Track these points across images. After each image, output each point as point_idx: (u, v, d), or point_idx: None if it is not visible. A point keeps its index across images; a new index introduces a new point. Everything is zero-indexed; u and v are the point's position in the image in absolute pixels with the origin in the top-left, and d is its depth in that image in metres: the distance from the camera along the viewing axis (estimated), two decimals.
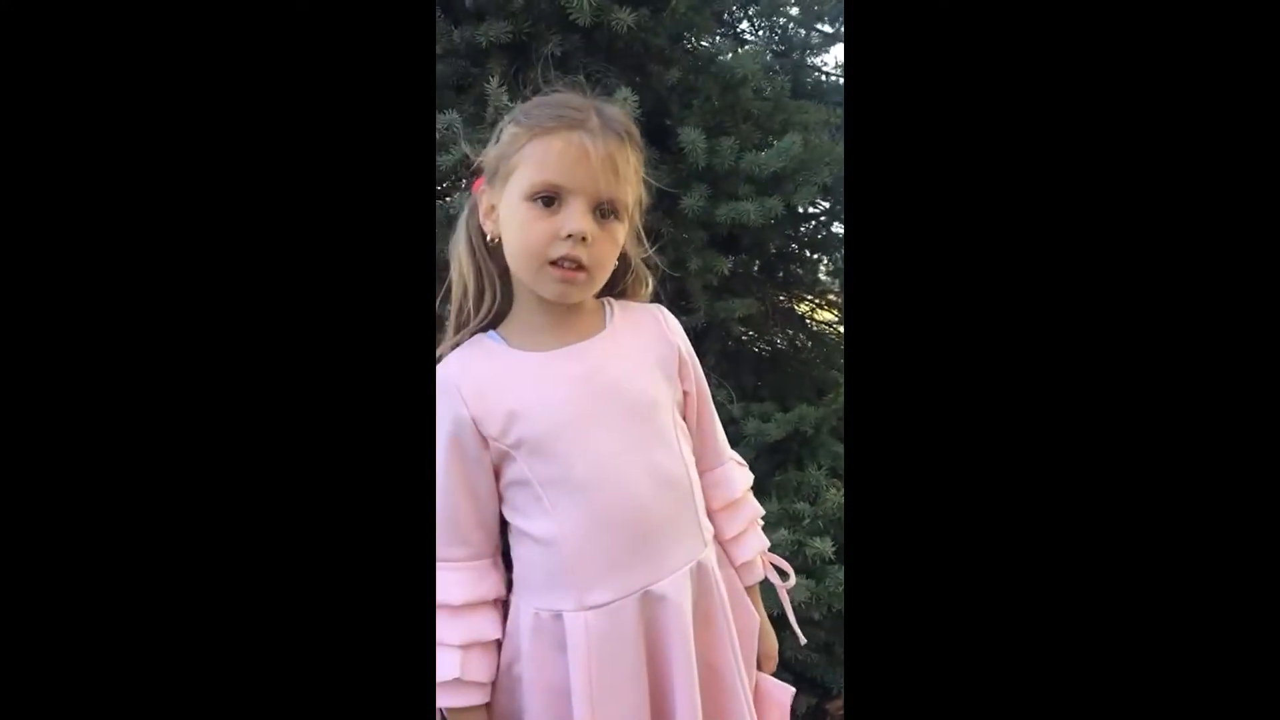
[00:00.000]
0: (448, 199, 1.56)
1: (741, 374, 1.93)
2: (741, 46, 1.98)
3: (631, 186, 0.93)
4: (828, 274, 2.09)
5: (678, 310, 1.27)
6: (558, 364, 0.92)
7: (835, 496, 1.65)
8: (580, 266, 0.88)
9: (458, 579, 0.90)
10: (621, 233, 0.93)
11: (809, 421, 1.70)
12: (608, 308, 1.00)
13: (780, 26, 2.19)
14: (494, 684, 0.93)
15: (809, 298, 2.16)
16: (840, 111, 1.83)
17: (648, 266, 1.05)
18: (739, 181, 1.60)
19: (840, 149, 1.67)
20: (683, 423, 1.00)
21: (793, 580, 1.12)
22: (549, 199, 0.87)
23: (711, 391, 1.09)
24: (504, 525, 0.95)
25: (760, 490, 1.65)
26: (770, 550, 1.13)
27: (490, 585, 0.92)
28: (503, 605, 0.95)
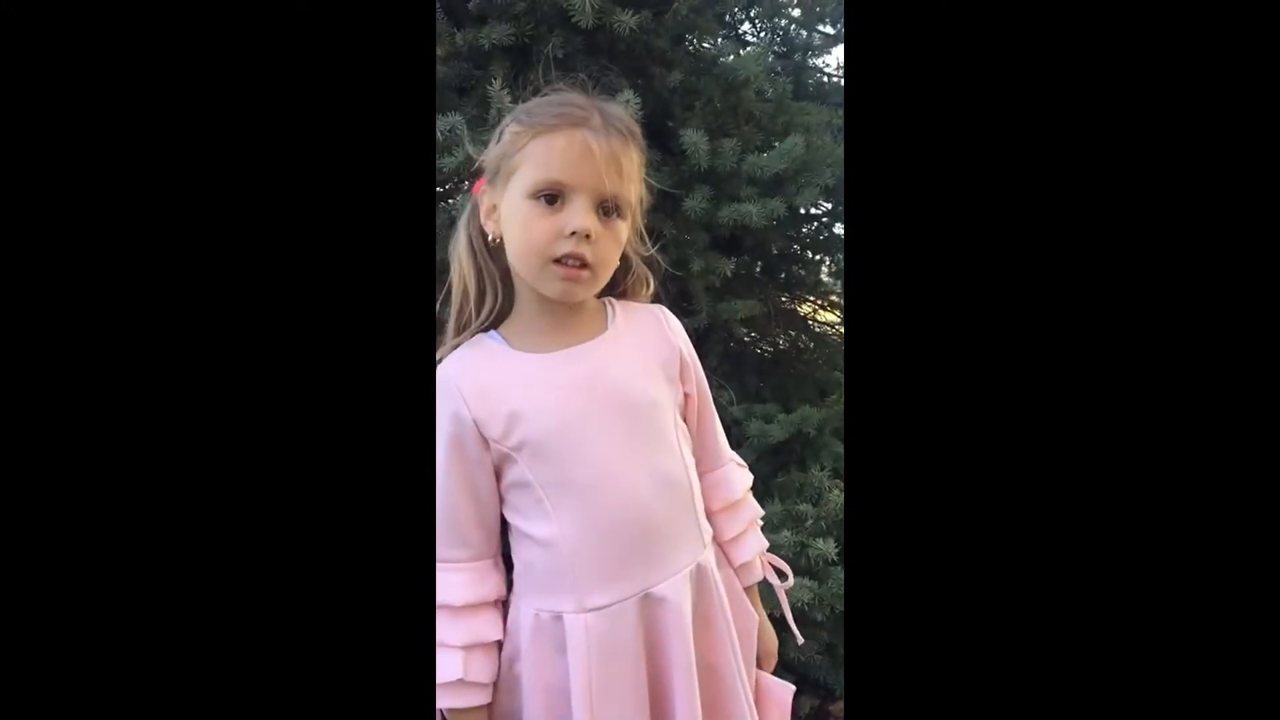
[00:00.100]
0: (451, 201, 1.56)
1: (744, 375, 1.93)
2: (743, 48, 1.98)
3: (634, 185, 0.93)
4: (830, 275, 2.09)
5: (680, 312, 1.28)
6: (560, 366, 0.92)
7: (838, 498, 1.65)
8: (584, 264, 0.88)
9: (459, 580, 0.90)
10: (624, 231, 0.93)
11: (811, 423, 1.70)
12: (609, 308, 1.00)
13: (782, 28, 2.19)
14: (494, 684, 0.93)
15: (811, 299, 2.16)
16: (842, 113, 1.83)
17: (649, 266, 1.05)
18: (741, 183, 1.60)
19: (842, 150, 1.67)
20: (683, 424, 1.00)
21: (791, 581, 1.13)
22: (552, 197, 0.87)
23: (713, 393, 1.09)
24: (504, 525, 0.95)
25: (763, 492, 1.65)
26: (773, 552, 1.13)
27: (491, 586, 0.92)
28: (503, 605, 0.95)
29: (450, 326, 0.98)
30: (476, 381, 0.91)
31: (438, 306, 0.97)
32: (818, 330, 2.16)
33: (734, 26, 2.15)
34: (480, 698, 0.91)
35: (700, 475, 1.01)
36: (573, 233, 0.86)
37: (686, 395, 1.02)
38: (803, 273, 2.09)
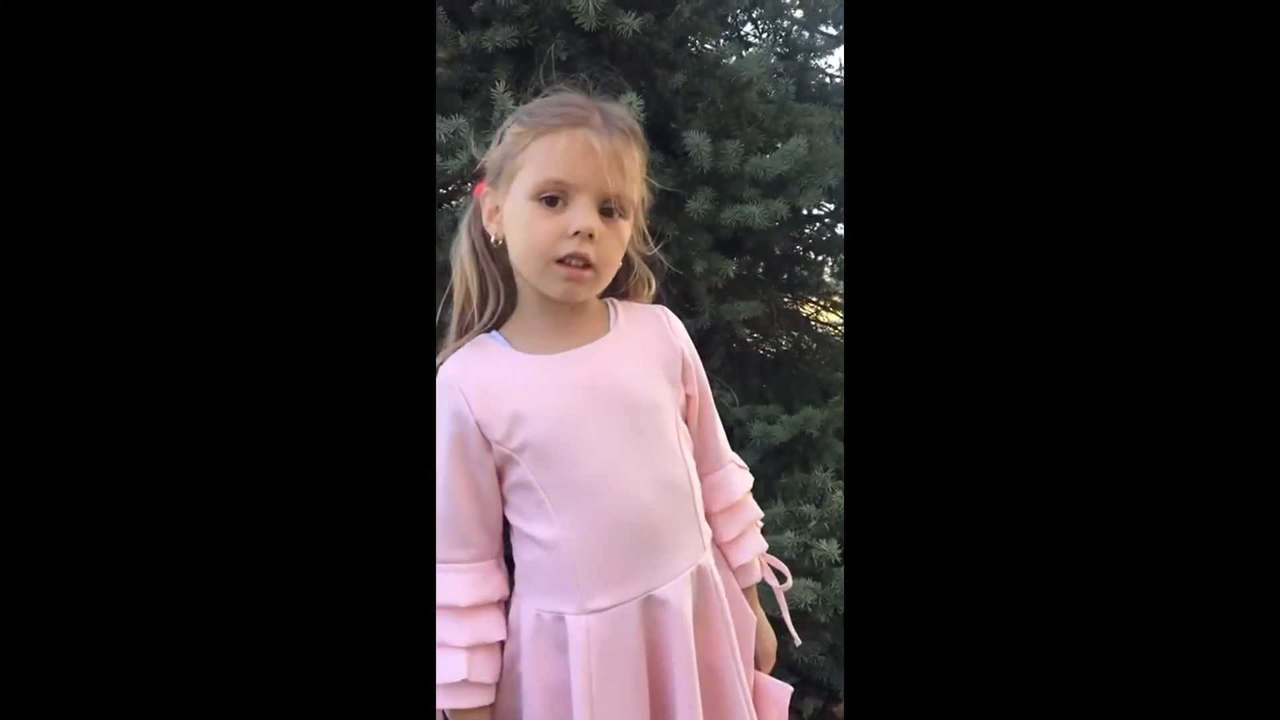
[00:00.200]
0: (455, 203, 1.56)
1: (747, 376, 1.93)
2: (746, 49, 1.98)
3: (636, 184, 0.93)
4: (832, 276, 2.09)
5: (683, 313, 1.28)
6: (562, 368, 0.92)
7: (840, 499, 1.65)
8: (587, 264, 0.88)
9: (462, 580, 0.90)
10: (627, 230, 0.93)
11: (814, 424, 1.70)
12: (611, 309, 1.00)
13: (784, 29, 2.19)
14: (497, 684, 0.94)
15: (814, 299, 2.16)
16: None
17: (651, 266, 1.04)
18: (744, 184, 1.61)
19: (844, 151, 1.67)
20: (684, 426, 1.00)
21: (789, 583, 1.13)
22: (554, 197, 0.87)
23: (716, 395, 1.09)
24: (506, 525, 0.95)
25: (766, 493, 1.65)
26: (777, 553, 1.13)
27: (494, 586, 0.93)
28: (505, 605, 0.95)
29: (452, 329, 0.98)
30: (479, 382, 0.91)
31: (440, 309, 0.97)
32: (820, 331, 2.17)
33: (736, 28, 2.15)
34: (483, 698, 0.91)
35: (701, 476, 1.01)
36: (575, 232, 0.86)
37: (688, 396, 1.02)
38: (805, 274, 2.09)
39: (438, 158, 1.41)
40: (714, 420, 1.07)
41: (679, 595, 0.92)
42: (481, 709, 0.91)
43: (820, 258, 2.09)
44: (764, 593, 1.11)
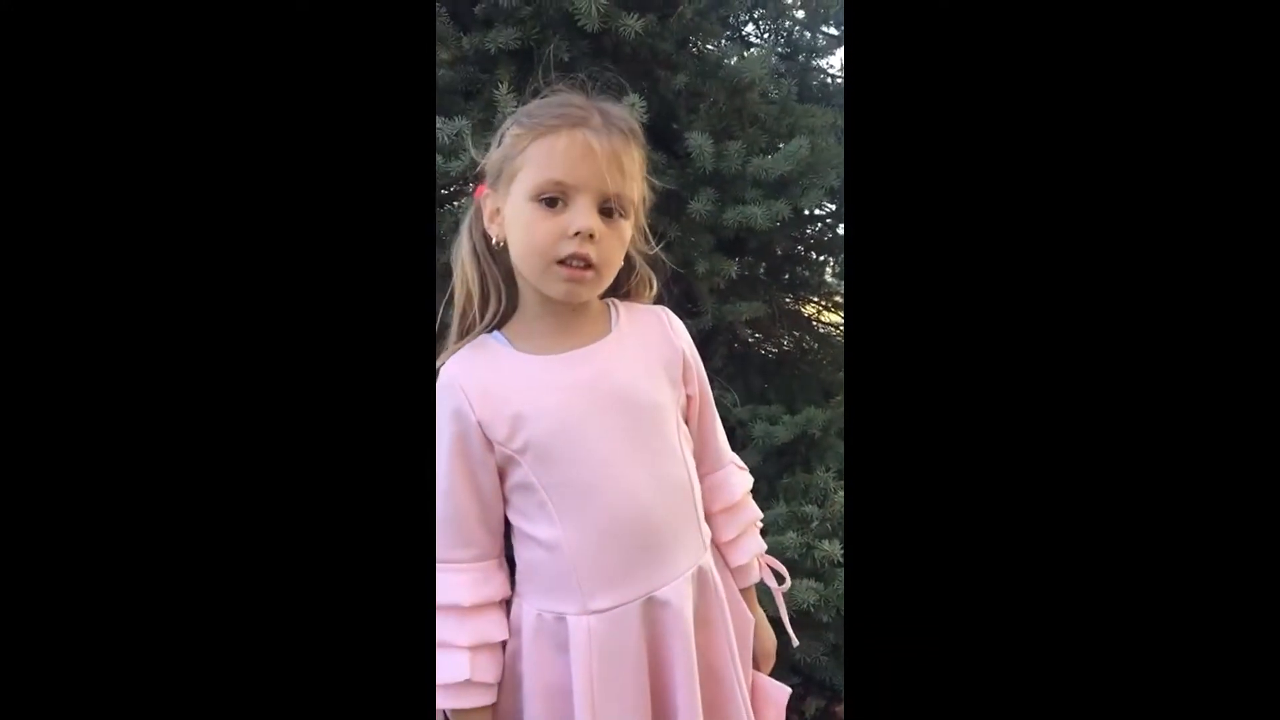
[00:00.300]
0: (457, 204, 1.56)
1: (749, 376, 1.93)
2: (747, 50, 1.98)
3: (636, 184, 0.93)
4: (834, 276, 2.09)
5: (685, 313, 1.28)
6: (564, 369, 0.92)
7: (843, 499, 1.65)
8: (588, 265, 0.88)
9: (464, 580, 0.90)
10: (628, 230, 0.93)
11: (816, 424, 1.70)
12: (613, 310, 1.00)
13: (786, 30, 2.19)
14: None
15: (815, 300, 2.17)
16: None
17: (653, 266, 1.04)
18: (746, 185, 1.61)
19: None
20: (685, 426, 1.01)
21: (788, 583, 1.13)
22: (554, 198, 0.87)
23: (717, 396, 1.09)
24: (507, 525, 0.95)
25: (768, 493, 1.65)
26: (779, 553, 1.13)
27: (496, 586, 0.93)
28: (506, 605, 0.95)
29: (453, 330, 0.98)
30: (480, 382, 0.91)
31: (440, 311, 0.97)
32: (822, 331, 2.17)
33: (738, 29, 2.15)
34: (485, 698, 0.91)
35: (701, 477, 1.01)
36: (576, 233, 0.86)
37: (688, 397, 1.02)
38: (807, 274, 2.09)
39: (440, 159, 1.41)
40: (714, 420, 1.07)
41: (680, 596, 0.92)
42: (483, 709, 0.91)
43: (822, 258, 2.09)
44: (763, 593, 1.12)
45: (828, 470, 1.71)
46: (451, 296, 0.98)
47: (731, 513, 1.05)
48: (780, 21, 2.17)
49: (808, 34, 2.17)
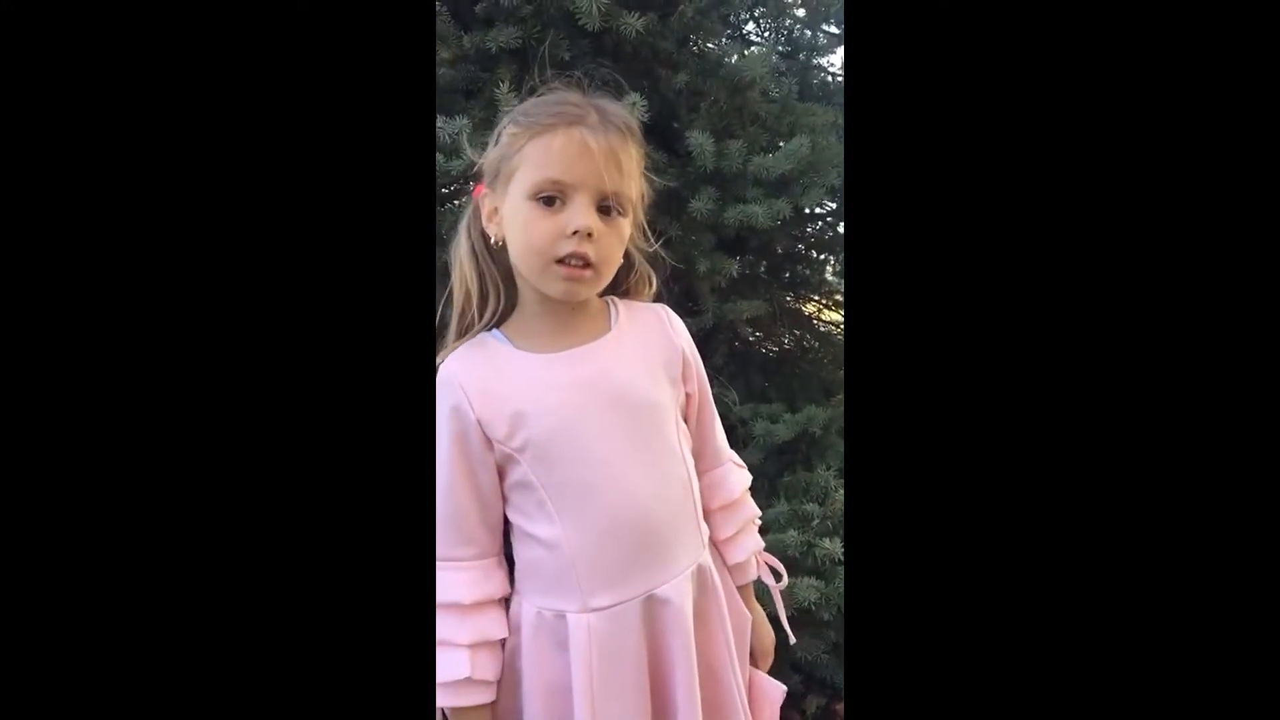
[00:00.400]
0: (457, 203, 1.57)
1: (749, 375, 1.93)
2: (748, 49, 1.98)
3: (634, 181, 0.93)
4: (834, 275, 2.09)
5: (685, 312, 1.28)
6: (564, 367, 0.92)
7: (844, 497, 1.65)
8: (587, 263, 0.88)
9: (464, 578, 0.90)
10: (626, 228, 0.93)
11: (817, 422, 1.70)
12: (612, 308, 1.00)
13: (786, 28, 2.19)
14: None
15: (816, 299, 2.17)
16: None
17: (652, 264, 1.04)
18: (747, 184, 1.61)
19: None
20: (684, 425, 1.01)
21: (785, 581, 1.13)
22: (552, 197, 0.87)
23: (716, 394, 1.09)
24: (506, 523, 0.95)
25: (769, 491, 1.66)
26: (780, 551, 1.13)
27: (496, 584, 0.93)
28: (506, 603, 0.96)
29: (452, 329, 0.97)
30: (480, 380, 0.91)
31: (439, 310, 0.97)
32: (823, 330, 2.17)
33: (739, 27, 2.15)
34: (485, 696, 0.91)
35: (699, 474, 1.01)
36: (574, 232, 0.86)
37: (687, 395, 1.02)
38: (807, 273, 2.09)
39: (441, 158, 1.41)
40: (713, 418, 1.07)
41: (680, 594, 0.92)
42: (483, 707, 0.91)
43: (822, 257, 2.09)
44: (763, 591, 1.12)
45: (828, 468, 1.71)
46: (450, 296, 0.98)
47: (730, 510, 1.05)
48: (781, 20, 2.17)
49: (808, 32, 2.17)
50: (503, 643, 0.94)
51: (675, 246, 1.54)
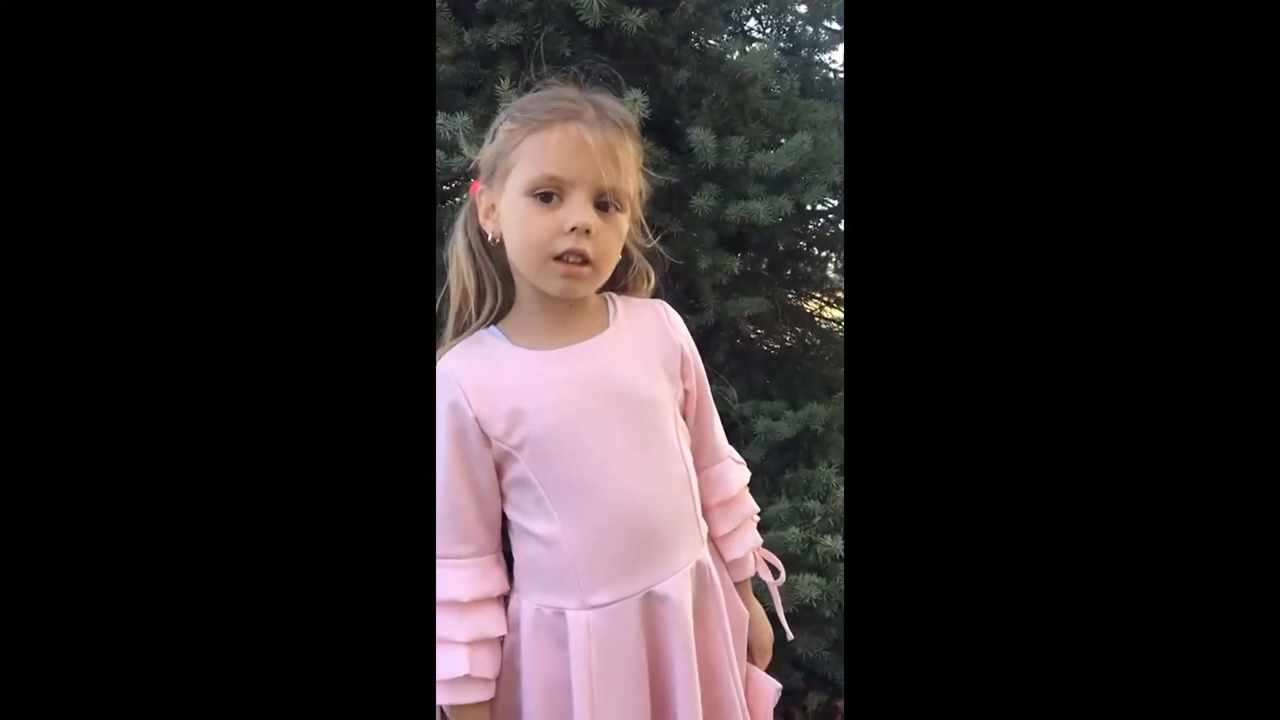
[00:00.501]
0: (458, 199, 1.56)
1: (751, 372, 1.93)
2: (749, 45, 1.98)
3: (632, 177, 0.92)
4: (836, 272, 2.09)
5: (687, 309, 1.28)
6: (562, 364, 0.92)
7: (843, 494, 1.65)
8: (585, 260, 0.87)
9: (463, 576, 0.90)
10: (625, 224, 0.93)
11: (819, 419, 1.70)
12: (610, 304, 1.00)
13: (788, 24, 2.19)
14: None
15: (817, 296, 2.16)
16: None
17: (651, 260, 1.04)
18: (748, 181, 1.60)
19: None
20: (683, 421, 1.00)
21: (783, 577, 1.13)
22: (549, 193, 0.87)
23: (716, 391, 1.09)
24: (504, 520, 0.95)
25: (771, 488, 1.66)
26: (782, 548, 1.13)
27: (494, 581, 0.93)
28: (504, 600, 0.96)
29: (450, 327, 0.97)
30: (477, 377, 0.90)
31: (437, 306, 0.97)
32: (824, 327, 2.16)
33: (740, 24, 2.15)
34: (484, 693, 0.91)
35: (697, 471, 1.01)
36: (572, 228, 0.86)
37: (686, 391, 1.01)
38: (809, 270, 2.09)
39: (441, 154, 1.41)
40: (711, 414, 1.07)
41: (679, 591, 0.92)
42: (482, 704, 0.91)
43: (824, 254, 2.09)
44: (763, 588, 1.12)
45: (830, 466, 1.71)
46: (447, 293, 0.98)
47: (728, 506, 1.05)
48: (782, 16, 2.16)
49: (810, 29, 2.16)
50: (501, 640, 0.94)
51: (676, 243, 1.54)
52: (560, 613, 0.90)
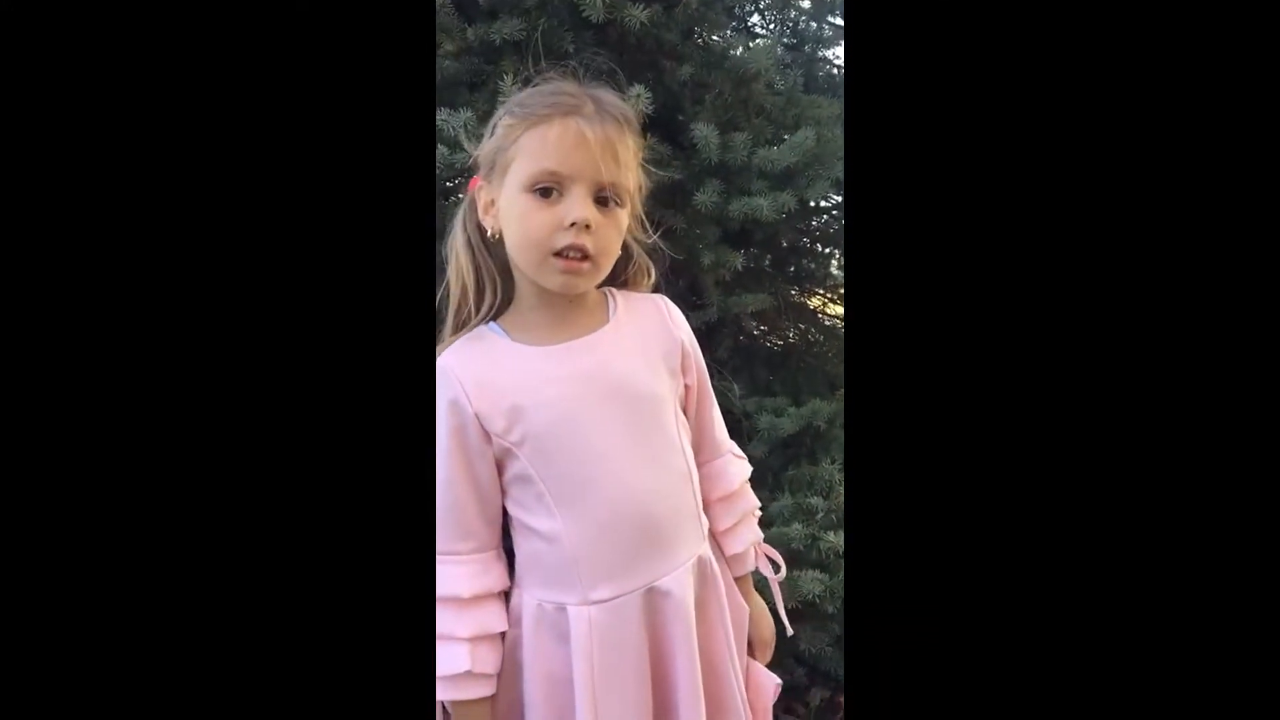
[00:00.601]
0: (460, 195, 1.56)
1: (754, 369, 1.93)
2: (753, 41, 1.97)
3: (632, 172, 0.92)
4: (839, 268, 2.09)
5: (690, 305, 1.28)
6: (562, 360, 0.92)
7: (844, 490, 1.65)
8: (585, 255, 0.87)
9: (464, 572, 0.90)
10: (624, 219, 0.92)
11: (822, 416, 1.70)
12: (610, 299, 1.00)
13: (791, 20, 2.18)
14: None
15: (821, 292, 2.16)
16: None
17: (651, 255, 1.04)
18: (751, 177, 1.60)
19: None
20: (683, 416, 1.00)
21: (783, 572, 1.13)
22: (548, 188, 0.87)
23: (718, 386, 1.08)
24: (505, 516, 0.95)
25: (774, 485, 1.66)
26: (785, 544, 1.13)
27: (495, 577, 0.93)
28: (505, 596, 0.96)
29: (449, 323, 0.97)
30: (477, 374, 0.90)
31: (437, 302, 0.97)
32: (827, 324, 2.16)
33: (744, 19, 2.15)
34: (485, 689, 0.91)
35: (699, 465, 1.01)
36: (572, 224, 0.85)
37: (687, 386, 1.01)
38: (812, 266, 2.09)
39: (444, 150, 1.41)
40: (712, 409, 1.06)
41: (681, 586, 0.92)
42: (483, 700, 0.92)
43: (827, 250, 2.09)
44: (762, 583, 1.12)
45: (833, 462, 1.71)
46: (447, 289, 0.98)
47: (729, 501, 1.05)
48: (786, 12, 2.16)
49: (813, 24, 2.16)
50: (503, 636, 0.94)
51: (679, 239, 1.54)
52: (562, 608, 0.90)
